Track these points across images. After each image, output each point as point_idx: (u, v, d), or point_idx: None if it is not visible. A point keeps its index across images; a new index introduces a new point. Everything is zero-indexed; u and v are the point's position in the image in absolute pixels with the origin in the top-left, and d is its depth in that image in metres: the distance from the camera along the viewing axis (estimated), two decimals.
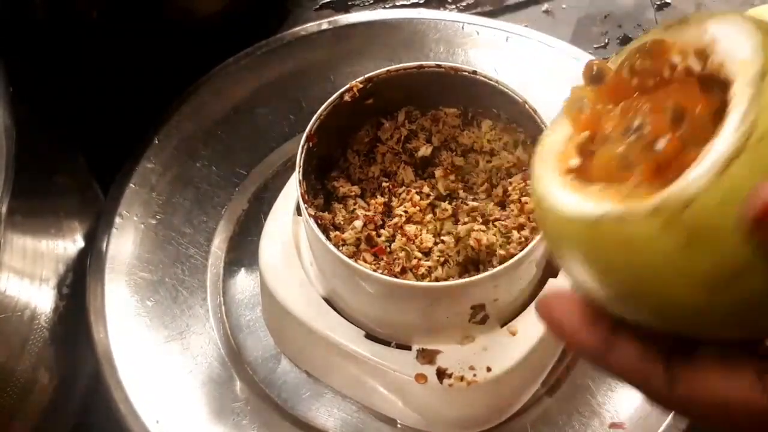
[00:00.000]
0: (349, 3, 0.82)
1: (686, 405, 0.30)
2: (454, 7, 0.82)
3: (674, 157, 0.30)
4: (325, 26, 0.76)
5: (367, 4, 0.82)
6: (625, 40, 0.79)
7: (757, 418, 0.28)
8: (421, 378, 0.54)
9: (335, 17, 0.76)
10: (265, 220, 0.62)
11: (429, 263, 0.53)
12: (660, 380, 0.30)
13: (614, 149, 0.31)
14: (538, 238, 0.51)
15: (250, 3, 0.79)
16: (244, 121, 0.73)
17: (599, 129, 0.34)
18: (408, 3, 0.82)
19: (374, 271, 0.51)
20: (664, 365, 0.30)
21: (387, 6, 0.82)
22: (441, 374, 0.54)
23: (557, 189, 0.32)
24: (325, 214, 0.55)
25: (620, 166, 0.31)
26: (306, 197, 0.53)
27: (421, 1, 0.82)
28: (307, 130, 0.54)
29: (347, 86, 0.56)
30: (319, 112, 0.55)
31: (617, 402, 0.60)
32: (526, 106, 0.55)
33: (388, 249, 0.54)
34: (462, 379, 0.54)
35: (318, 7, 0.81)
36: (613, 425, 0.59)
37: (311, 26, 0.76)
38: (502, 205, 0.56)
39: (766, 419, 0.28)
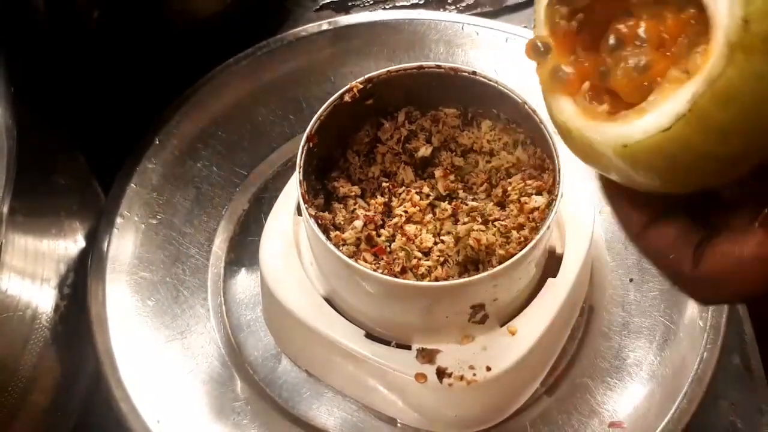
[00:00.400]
0: (349, 3, 0.82)
1: (707, 278, 0.35)
2: (453, 7, 0.82)
3: (661, 36, 0.32)
4: (325, 26, 0.76)
5: (367, 4, 0.82)
6: None
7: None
8: (420, 377, 0.54)
9: (335, 18, 0.77)
10: (265, 220, 0.62)
11: (429, 263, 0.53)
12: (688, 260, 0.35)
13: (624, 67, 0.32)
14: (537, 237, 0.51)
15: (250, 3, 0.79)
16: (244, 122, 0.73)
17: (591, 72, 0.35)
18: (408, 4, 0.82)
19: (374, 270, 0.51)
20: (694, 248, 0.35)
21: (387, 7, 0.82)
22: (441, 374, 0.54)
23: (632, 126, 0.32)
24: (326, 214, 0.55)
25: (640, 73, 0.32)
26: (306, 197, 0.53)
27: (421, 2, 0.82)
28: (308, 130, 0.54)
29: (347, 87, 0.56)
30: (319, 112, 0.55)
31: (616, 401, 0.60)
32: (526, 106, 0.55)
33: (388, 249, 0.54)
34: (462, 378, 0.54)
35: (318, 7, 0.82)
36: (612, 424, 0.59)
37: (311, 26, 0.76)
38: (502, 205, 0.56)
39: None
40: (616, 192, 0.38)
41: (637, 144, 0.32)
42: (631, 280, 0.65)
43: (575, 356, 0.62)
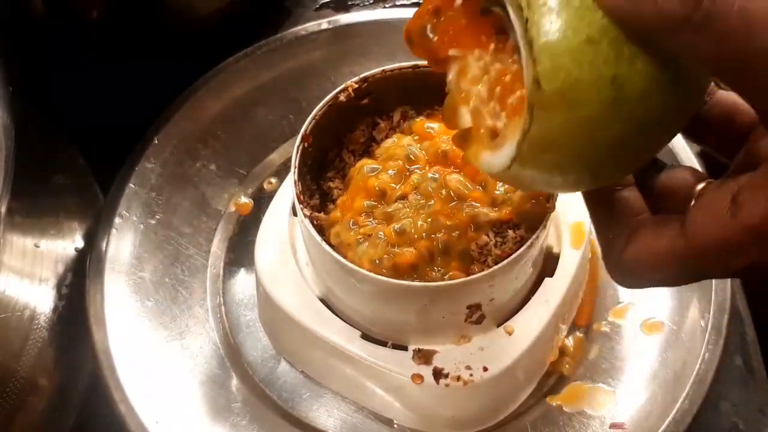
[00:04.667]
0: (349, 3, 0.82)
1: (627, 263, 0.36)
2: None
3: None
4: (325, 26, 0.75)
5: (367, 4, 0.81)
6: None
7: (678, 259, 0.34)
8: (417, 378, 0.54)
9: (335, 17, 0.76)
10: None
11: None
12: (622, 242, 0.36)
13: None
14: (533, 237, 0.50)
15: (251, 3, 0.79)
16: (244, 121, 0.73)
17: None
18: (408, 3, 0.81)
19: (370, 271, 0.51)
20: (629, 231, 0.36)
21: (387, 6, 0.81)
22: (437, 374, 0.54)
23: (493, 158, 0.36)
24: (321, 214, 0.55)
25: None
26: (301, 198, 0.53)
27: (422, 2, 0.82)
28: (303, 130, 0.54)
29: (342, 86, 0.56)
30: (314, 112, 0.55)
31: (618, 402, 0.60)
32: None
33: None
34: (458, 378, 0.54)
35: (318, 7, 0.81)
36: (613, 426, 0.58)
37: (311, 26, 0.76)
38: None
39: (684, 260, 0.33)
40: None
41: (498, 174, 0.36)
42: None
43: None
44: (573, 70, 0.30)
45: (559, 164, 0.33)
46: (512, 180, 0.36)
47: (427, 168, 0.53)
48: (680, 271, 0.34)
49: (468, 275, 0.50)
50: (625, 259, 0.36)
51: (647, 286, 0.37)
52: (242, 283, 0.67)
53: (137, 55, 0.73)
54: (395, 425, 0.59)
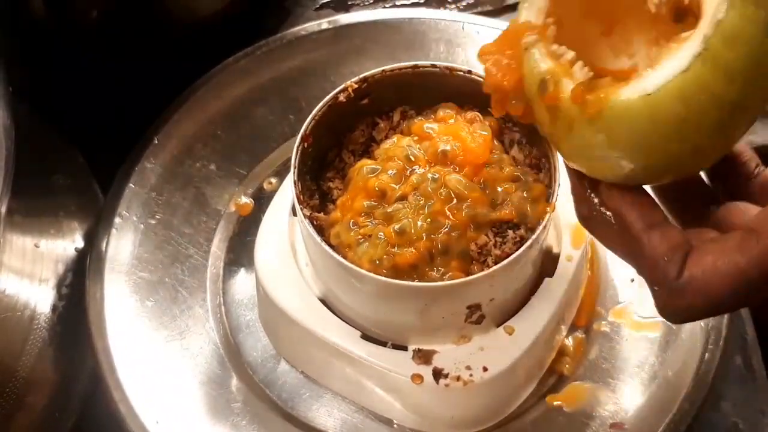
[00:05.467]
0: (349, 3, 0.82)
1: (684, 287, 0.36)
2: (454, 6, 0.81)
3: None
4: (325, 26, 0.75)
5: (367, 4, 0.82)
6: None
7: (745, 281, 0.35)
8: (417, 378, 0.54)
9: (335, 17, 0.76)
10: None
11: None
12: (676, 267, 0.37)
13: None
14: (533, 237, 0.50)
15: (251, 3, 0.79)
16: (244, 121, 0.73)
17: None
18: (408, 3, 0.82)
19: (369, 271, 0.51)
20: (683, 257, 0.37)
21: (387, 6, 0.81)
22: (437, 374, 0.54)
23: (649, 78, 0.34)
24: (321, 214, 0.55)
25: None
26: (301, 198, 0.53)
27: (422, 1, 0.82)
28: (302, 130, 0.54)
29: (342, 86, 0.56)
30: (314, 112, 0.55)
31: (618, 402, 0.60)
32: None
33: None
34: (458, 379, 0.54)
35: (318, 7, 0.81)
36: (613, 425, 0.58)
37: (311, 26, 0.76)
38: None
39: (755, 278, 0.35)
40: (620, 188, 0.39)
41: (658, 91, 0.34)
42: (632, 281, 0.64)
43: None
44: None
45: (734, 70, 0.33)
46: (636, 124, 0.35)
47: (426, 168, 0.53)
48: (752, 275, 0.35)
49: (468, 275, 0.50)
50: (683, 282, 0.37)
51: (698, 316, 0.38)
52: (242, 283, 0.67)
53: (137, 55, 0.73)
54: (395, 425, 0.59)
